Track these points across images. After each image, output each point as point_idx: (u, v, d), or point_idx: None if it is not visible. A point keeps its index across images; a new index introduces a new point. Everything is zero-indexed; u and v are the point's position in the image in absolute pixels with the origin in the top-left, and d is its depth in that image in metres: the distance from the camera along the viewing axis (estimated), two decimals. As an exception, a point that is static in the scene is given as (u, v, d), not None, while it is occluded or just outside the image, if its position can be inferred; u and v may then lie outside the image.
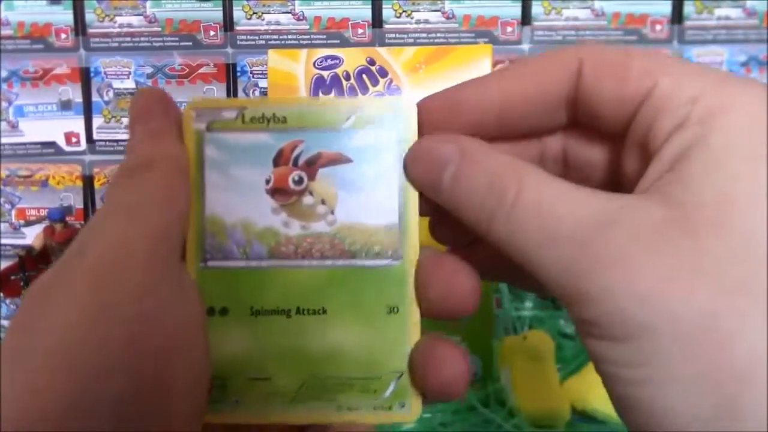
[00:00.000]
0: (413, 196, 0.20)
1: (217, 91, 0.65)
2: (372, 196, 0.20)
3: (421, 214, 0.21)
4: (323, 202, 0.20)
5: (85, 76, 0.65)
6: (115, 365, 0.16)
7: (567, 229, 0.16)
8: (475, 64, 0.50)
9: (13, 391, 0.16)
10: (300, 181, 0.20)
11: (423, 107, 0.20)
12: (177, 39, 0.65)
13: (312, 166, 0.20)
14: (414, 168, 0.20)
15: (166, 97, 0.21)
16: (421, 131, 0.20)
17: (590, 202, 0.16)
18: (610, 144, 0.20)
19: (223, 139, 0.20)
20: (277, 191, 0.20)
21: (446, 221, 0.20)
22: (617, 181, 0.19)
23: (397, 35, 0.64)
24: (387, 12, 0.64)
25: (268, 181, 0.20)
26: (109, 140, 0.66)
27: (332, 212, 0.20)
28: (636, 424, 0.16)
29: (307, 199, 0.20)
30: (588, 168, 0.21)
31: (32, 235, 0.63)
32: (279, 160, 0.20)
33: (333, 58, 0.50)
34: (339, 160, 0.20)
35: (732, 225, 0.15)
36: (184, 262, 0.20)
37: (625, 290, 0.15)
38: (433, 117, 0.20)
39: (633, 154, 0.18)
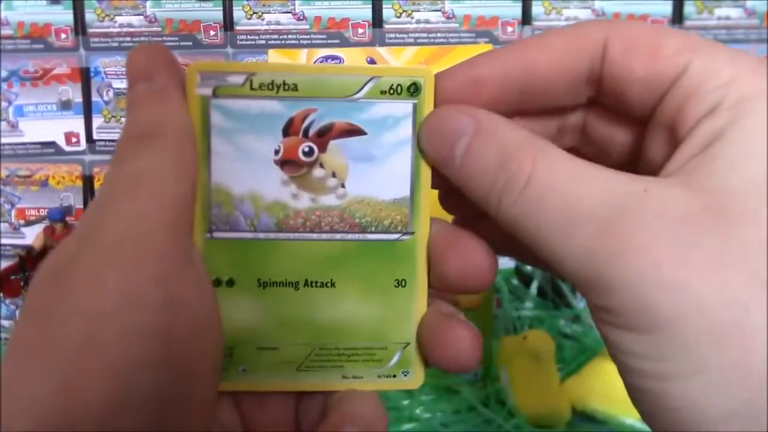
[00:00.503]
0: (426, 170, 0.20)
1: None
2: (384, 169, 0.20)
3: (433, 186, 0.20)
4: (334, 174, 0.20)
5: (85, 76, 0.65)
6: (154, 356, 0.15)
7: (586, 212, 0.15)
8: (475, 64, 0.50)
9: (44, 390, 0.14)
10: (310, 152, 0.20)
11: (439, 84, 0.20)
12: (177, 39, 0.65)
13: (323, 137, 0.20)
14: (427, 139, 0.19)
15: (170, 54, 0.19)
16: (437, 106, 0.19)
17: (611, 183, 0.16)
18: (633, 123, 0.19)
19: (229, 106, 0.19)
20: (287, 162, 0.20)
21: (457, 193, 0.19)
22: (636, 161, 0.19)
23: (398, 35, 0.64)
24: (387, 12, 0.64)
25: (277, 152, 0.20)
26: (109, 140, 0.66)
27: (343, 185, 0.20)
28: (655, 419, 0.15)
29: (318, 172, 0.20)
30: (607, 145, 0.20)
31: (32, 235, 0.63)
32: (289, 129, 0.20)
33: (333, 58, 0.50)
34: (352, 131, 0.20)
35: (763, 214, 0.14)
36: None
37: (651, 279, 0.14)
38: (450, 94, 0.19)
39: (659, 136, 0.17)
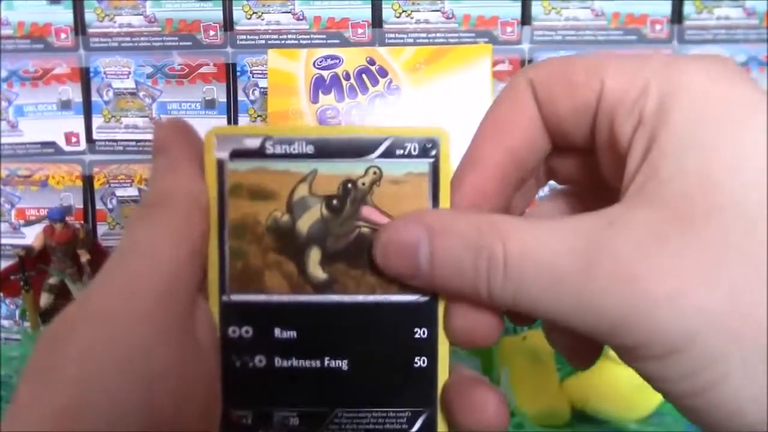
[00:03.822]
0: None
1: (216, 91, 0.65)
2: None
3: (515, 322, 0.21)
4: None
5: (84, 76, 0.65)
6: (136, 425, 0.16)
7: (564, 267, 0.15)
8: (475, 63, 0.50)
9: None
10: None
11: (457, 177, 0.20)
12: (177, 39, 0.65)
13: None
14: (384, 255, 0.19)
15: (187, 126, 0.20)
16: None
17: (577, 230, 0.16)
18: (586, 155, 0.19)
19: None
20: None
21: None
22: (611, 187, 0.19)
23: (397, 35, 0.64)
24: (387, 12, 0.64)
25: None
26: (109, 140, 0.66)
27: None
28: (719, 428, 0.15)
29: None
30: (583, 179, 0.20)
31: (32, 235, 0.63)
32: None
33: (333, 57, 0.50)
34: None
35: (721, 208, 0.14)
36: (201, 297, 0.19)
37: (646, 303, 0.14)
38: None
39: (608, 159, 0.18)
